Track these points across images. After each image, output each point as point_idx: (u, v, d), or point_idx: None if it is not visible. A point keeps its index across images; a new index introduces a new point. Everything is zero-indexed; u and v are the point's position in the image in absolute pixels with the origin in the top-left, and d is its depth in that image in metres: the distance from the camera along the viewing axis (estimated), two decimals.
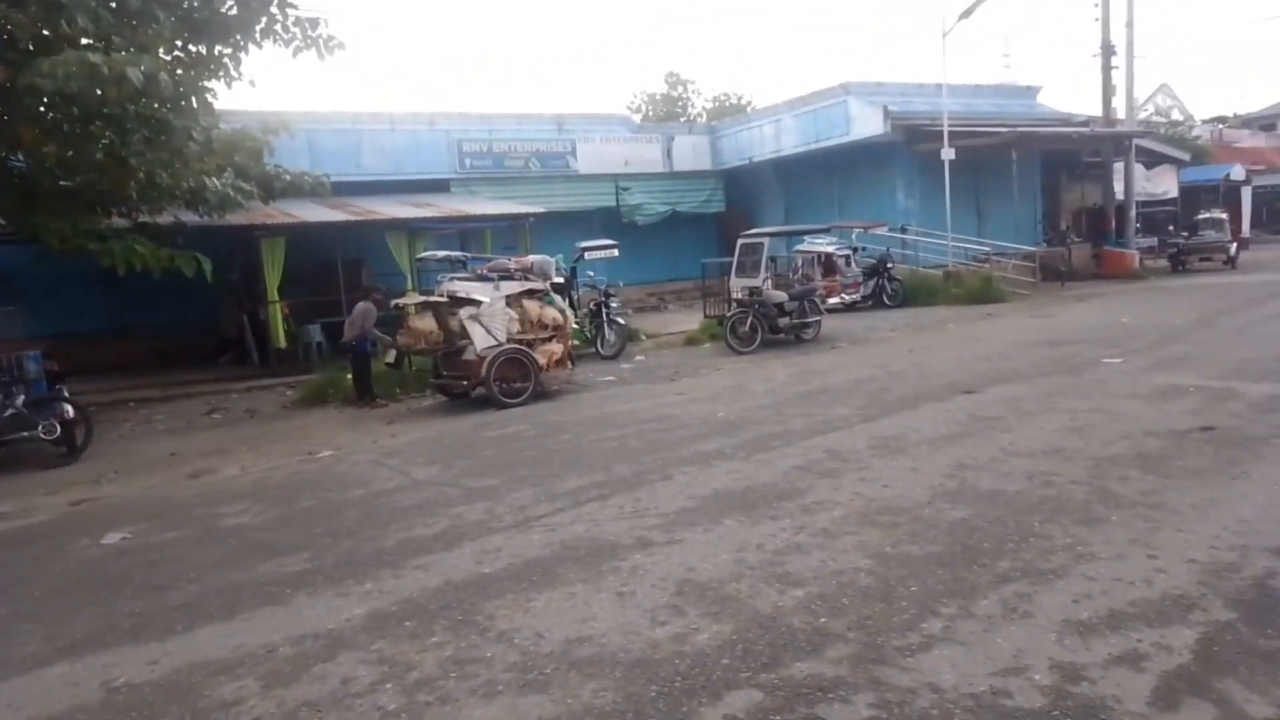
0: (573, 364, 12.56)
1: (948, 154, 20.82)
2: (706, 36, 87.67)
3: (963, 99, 24.26)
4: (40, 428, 9.79)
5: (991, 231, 23.24)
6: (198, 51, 11.17)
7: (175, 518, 7.28)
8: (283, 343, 15.60)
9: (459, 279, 12.11)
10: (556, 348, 11.91)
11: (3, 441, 9.80)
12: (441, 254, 13.79)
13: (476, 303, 11.25)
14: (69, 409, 10.07)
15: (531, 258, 13.09)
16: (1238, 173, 32.18)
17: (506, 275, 12.01)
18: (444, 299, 11.52)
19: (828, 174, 24.85)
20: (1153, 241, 27.21)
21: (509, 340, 11.35)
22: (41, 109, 10.22)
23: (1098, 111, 25.99)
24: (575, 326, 13.74)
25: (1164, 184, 29.40)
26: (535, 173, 23.45)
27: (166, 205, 12.70)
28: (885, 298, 20.07)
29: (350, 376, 12.65)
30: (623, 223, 24.20)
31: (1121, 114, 26.02)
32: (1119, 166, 25.18)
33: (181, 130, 10.74)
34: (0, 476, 9.50)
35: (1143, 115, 36.97)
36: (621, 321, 15.86)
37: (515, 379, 11.30)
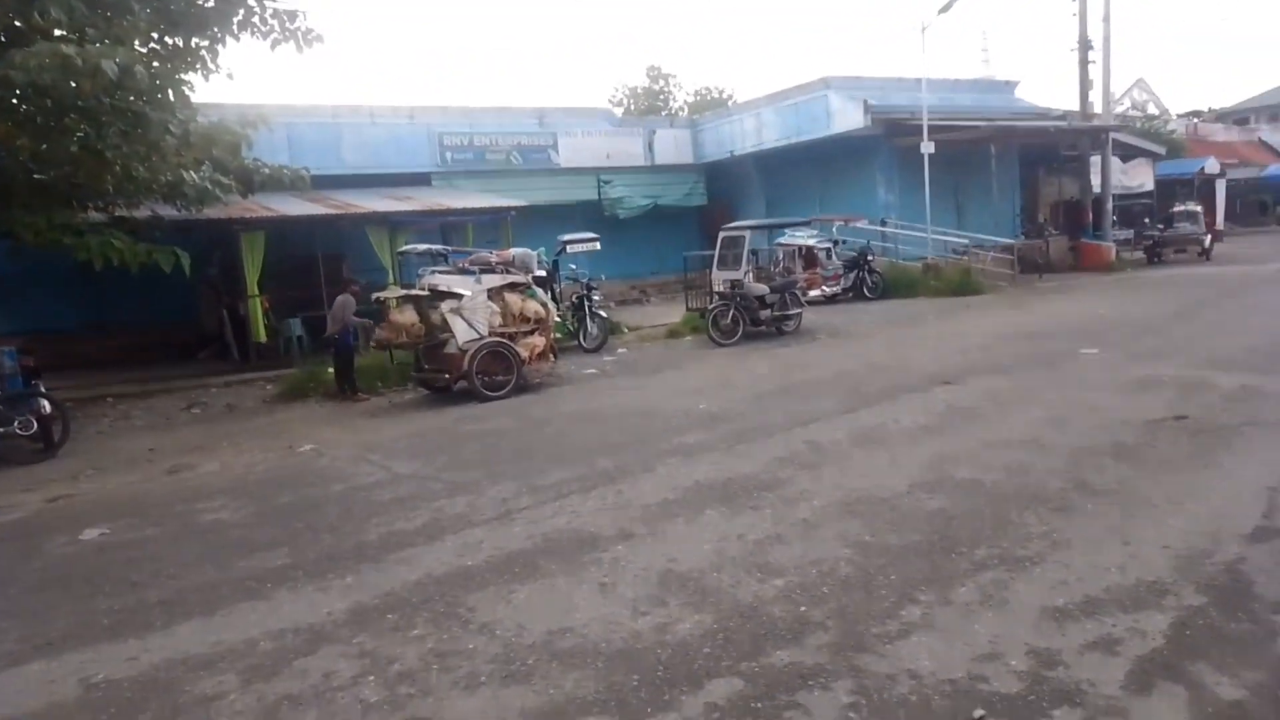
0: (555, 357, 12.55)
1: (927, 148, 20.94)
2: (688, 30, 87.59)
3: (942, 93, 24.37)
4: (16, 424, 9.67)
5: (970, 225, 23.41)
6: (174, 44, 11.06)
7: (154, 514, 7.22)
8: (263, 337, 15.47)
9: (440, 272, 12.07)
10: (538, 341, 11.90)
11: None
12: (423, 247, 13.74)
13: (458, 296, 11.21)
14: (46, 405, 9.95)
15: (513, 251, 13.05)
16: (1212, 166, 32.58)
17: (488, 269, 11.99)
18: (425, 292, 11.48)
19: (808, 168, 24.92)
20: (1129, 234, 27.48)
21: (491, 334, 11.32)
22: (14, 101, 10.08)
23: (1075, 106, 26.21)
24: (557, 320, 13.72)
25: (1140, 177, 29.72)
26: (517, 166, 23.37)
27: (143, 199, 12.54)
28: (865, 290, 20.18)
29: (331, 371, 12.58)
30: (604, 216, 24.17)
31: (1098, 108, 26.26)
32: (1096, 160, 25.41)
33: (158, 123, 10.61)
34: None
35: (1119, 110, 37.38)
36: (603, 315, 15.86)
37: (497, 372, 11.28)
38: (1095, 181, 25.53)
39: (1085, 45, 25.36)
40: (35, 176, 11.24)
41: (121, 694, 4.00)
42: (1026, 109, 27.20)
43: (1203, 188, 31.93)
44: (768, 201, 26.13)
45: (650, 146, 26.29)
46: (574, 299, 15.83)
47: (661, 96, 45.66)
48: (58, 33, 9.48)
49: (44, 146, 10.64)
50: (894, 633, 3.96)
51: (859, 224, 22.11)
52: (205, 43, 11.10)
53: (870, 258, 20.62)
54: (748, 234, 15.40)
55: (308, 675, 4.02)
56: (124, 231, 11.41)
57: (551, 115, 24.61)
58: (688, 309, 17.82)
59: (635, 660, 3.89)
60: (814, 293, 19.31)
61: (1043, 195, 28.32)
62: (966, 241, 22.30)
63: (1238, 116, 60.05)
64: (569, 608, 4.51)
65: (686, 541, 5.35)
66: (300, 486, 7.70)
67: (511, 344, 11.44)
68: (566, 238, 16.69)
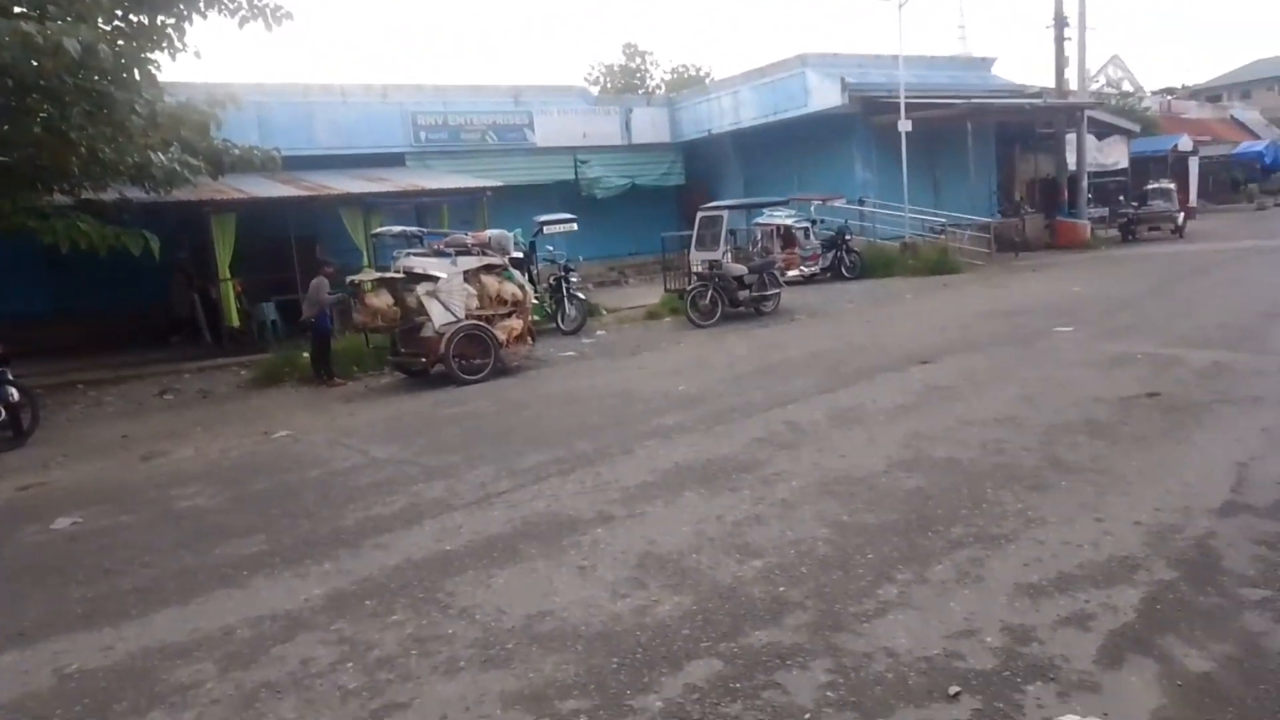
0: (533, 340, 12.49)
1: (904, 126, 20.95)
2: (664, 7, 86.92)
3: (919, 71, 24.37)
4: None
5: (947, 203, 23.48)
6: (139, 21, 10.81)
7: (127, 501, 7.14)
8: (236, 322, 15.30)
9: (415, 255, 11.95)
10: (516, 323, 11.83)
11: None
12: (397, 229, 13.59)
13: (434, 279, 11.12)
14: (14, 392, 9.78)
15: (489, 232, 12.94)
16: (1185, 143, 32.84)
17: (464, 250, 11.88)
18: (400, 275, 11.37)
19: (786, 146, 24.87)
20: (1104, 212, 27.70)
21: (468, 316, 11.25)
22: None
23: (1051, 83, 26.33)
24: (535, 302, 13.65)
25: (1115, 155, 29.91)
26: (492, 146, 23.15)
27: (110, 181, 12.31)
28: (844, 270, 20.21)
29: (306, 355, 12.46)
30: (582, 196, 24.02)
31: (1074, 86, 26.38)
32: (1071, 138, 25.54)
33: (124, 103, 10.41)
34: None
35: (1094, 87, 37.51)
36: (581, 296, 15.80)
37: (475, 355, 11.21)
38: (1071, 159, 25.67)
39: (1061, 22, 25.45)
40: None
41: (96, 684, 3.96)
42: (1003, 86, 27.26)
43: (1176, 165, 32.19)
44: (746, 181, 26.09)
45: (627, 125, 26.13)
46: (551, 281, 15.76)
47: (638, 75, 45.34)
48: (18, 10, 9.25)
49: (5, 128, 10.41)
50: (871, 611, 3.99)
51: (837, 203, 22.11)
52: (171, 20, 10.86)
53: (848, 237, 20.65)
54: (725, 214, 15.37)
55: (286, 662, 4.00)
56: (91, 214, 11.21)
57: (527, 94, 24.37)
58: (666, 290, 17.81)
59: (615, 642, 3.90)
60: (792, 273, 19.33)
61: (1019, 173, 28.46)
62: (944, 220, 22.38)
63: (1210, 94, 60.64)
64: (548, 591, 4.51)
65: (665, 523, 5.36)
66: (276, 472, 7.64)
67: (489, 326, 11.38)
68: (543, 219, 16.57)
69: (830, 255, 20.36)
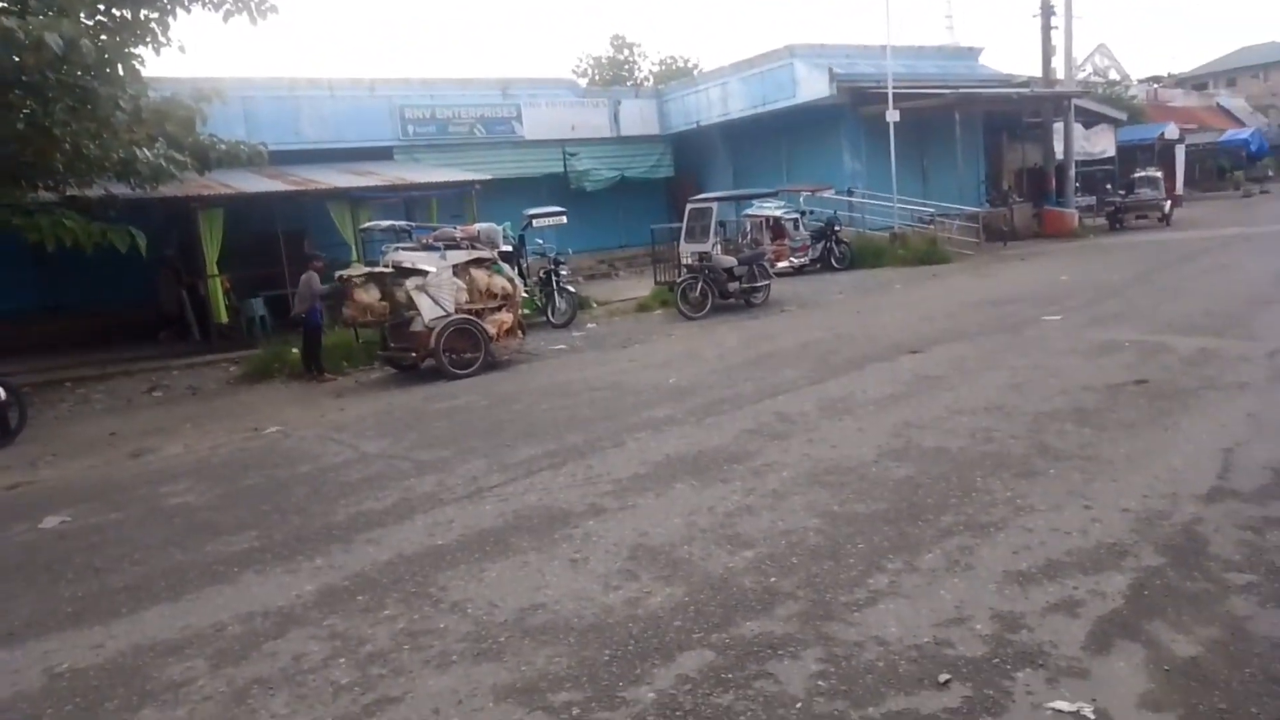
0: (523, 333, 12.47)
1: (892, 116, 20.96)
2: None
3: (906, 60, 24.39)
4: None
5: (936, 193, 23.53)
6: (122, 16, 10.71)
7: (117, 499, 7.11)
8: (224, 317, 15.21)
9: (404, 249, 11.91)
10: (506, 317, 11.81)
11: None
12: (386, 223, 13.54)
13: (423, 273, 11.08)
14: (1, 391, 9.72)
15: (478, 226, 12.90)
16: (1172, 132, 32.98)
17: (453, 244, 11.84)
18: (389, 269, 11.33)
19: (775, 137, 24.86)
20: (1091, 200, 27.80)
21: (457, 310, 11.22)
22: None
23: (1038, 72, 26.36)
24: (525, 295, 13.64)
25: (1102, 143, 30.01)
26: (480, 139, 23.06)
27: (95, 177, 12.21)
28: (833, 260, 20.24)
29: (295, 350, 12.42)
30: (571, 189, 23.96)
31: (1061, 74, 26.44)
32: (1058, 126, 25.61)
33: (108, 99, 10.31)
34: None
35: (1081, 76, 37.62)
36: (572, 289, 15.78)
37: (465, 349, 11.19)
38: (1058, 148, 25.75)
39: (1048, 11, 25.49)
40: None
41: (87, 682, 3.95)
42: (990, 76, 27.31)
43: (1163, 153, 32.33)
44: (735, 172, 26.06)
45: (616, 118, 26.06)
46: (541, 274, 15.73)
47: (626, 66, 45.22)
48: None
49: None
50: (862, 600, 4.01)
51: (826, 194, 22.14)
52: (155, 15, 10.76)
53: (837, 228, 20.67)
54: (715, 206, 15.36)
55: (277, 658, 4.00)
56: (76, 211, 11.10)
57: (515, 86, 24.27)
58: (656, 282, 17.80)
59: (607, 634, 3.91)
60: (782, 264, 19.35)
61: (1007, 162, 28.53)
62: (932, 210, 22.44)
63: (1196, 82, 60.82)
64: (540, 584, 4.52)
65: (657, 515, 5.37)
66: (267, 468, 7.62)
67: (479, 320, 11.35)
68: (532, 212, 16.54)
69: (820, 246, 20.38)
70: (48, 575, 5.42)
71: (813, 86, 22.59)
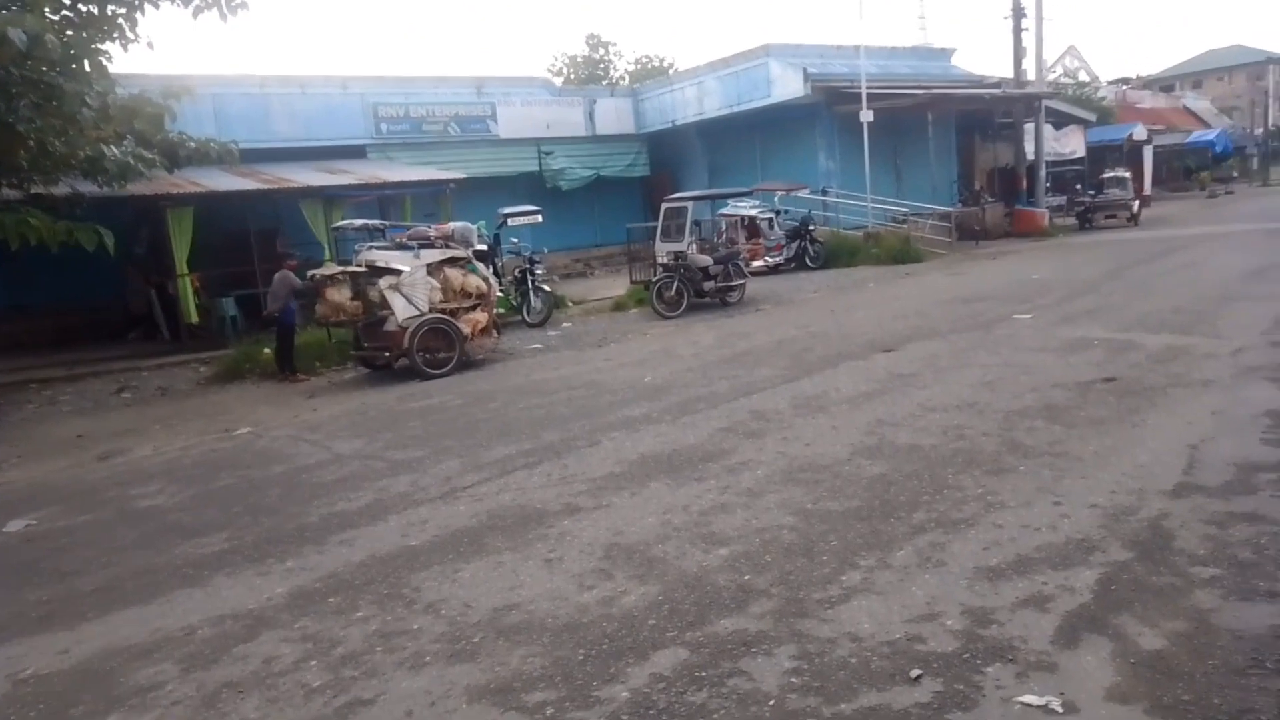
0: (498, 332, 12.43)
1: (866, 116, 21.11)
2: None
3: (880, 61, 24.57)
4: None
5: (909, 192, 23.72)
6: (88, 11, 10.53)
7: (84, 501, 7.01)
8: (195, 317, 15.02)
9: (378, 248, 11.83)
10: (481, 316, 11.77)
11: None
12: (359, 222, 13.42)
13: (396, 272, 11.01)
14: None
15: (452, 225, 12.83)
16: (1140, 132, 33.47)
17: (427, 243, 11.77)
18: (363, 269, 11.24)
19: (750, 136, 24.95)
20: (1062, 200, 28.16)
21: (431, 310, 11.15)
22: None
23: (1009, 73, 26.64)
24: (500, 294, 13.59)
25: (1072, 144, 30.40)
26: (455, 137, 22.94)
27: (62, 175, 12.02)
28: (807, 259, 20.35)
29: (268, 350, 12.29)
30: (546, 188, 23.92)
31: (1032, 75, 26.74)
32: (1029, 127, 25.91)
33: (74, 95, 10.14)
34: None
35: (1052, 77, 38.12)
36: (547, 288, 15.74)
37: (439, 349, 11.14)
38: (1029, 148, 26.05)
39: (1019, 13, 25.75)
40: None
41: (52, 688, 3.89)
42: (962, 76, 27.56)
43: (1131, 154, 32.82)
44: (710, 171, 26.13)
45: (591, 116, 26.03)
46: (516, 273, 15.67)
47: (602, 65, 45.20)
48: None
49: None
50: (835, 597, 4.04)
51: (800, 193, 22.25)
52: (122, 10, 10.58)
53: (812, 227, 20.77)
54: (690, 205, 15.38)
55: (249, 661, 3.96)
56: (42, 209, 10.91)
57: (490, 85, 24.17)
58: (632, 281, 17.80)
59: (581, 634, 3.90)
60: (757, 263, 19.42)
61: (979, 162, 28.82)
62: (906, 209, 22.61)
63: (1164, 83, 61.77)
64: (515, 584, 4.50)
65: (632, 514, 5.38)
66: (238, 469, 7.54)
67: (453, 320, 11.30)
68: (507, 210, 16.48)
69: (794, 245, 20.48)
70: (13, 579, 5.33)
71: (787, 86, 22.69)
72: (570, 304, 16.98)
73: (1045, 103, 26.37)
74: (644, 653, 3.69)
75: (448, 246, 11.85)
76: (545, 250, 17.53)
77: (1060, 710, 3.06)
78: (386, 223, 13.92)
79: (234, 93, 19.55)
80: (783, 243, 20.51)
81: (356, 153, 21.04)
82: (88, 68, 10.32)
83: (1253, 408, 6.49)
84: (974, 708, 3.12)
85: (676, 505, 5.44)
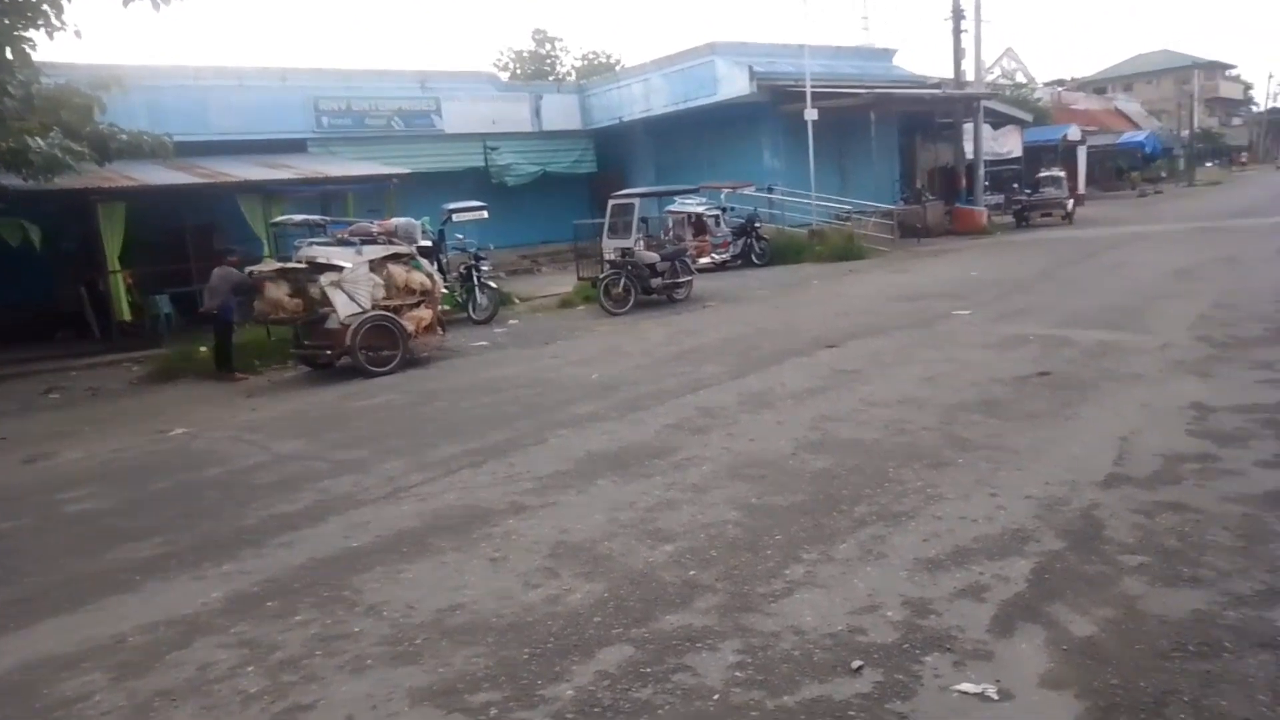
0: (443, 330, 12.29)
1: (811, 114, 21.35)
2: None
3: (824, 60, 24.85)
4: None
5: (853, 191, 24.06)
6: None
7: (9, 507, 6.73)
8: (127, 315, 14.59)
9: (319, 244, 11.58)
10: (425, 313, 11.61)
11: None
12: (299, 218, 13.15)
13: (338, 268, 10.81)
14: None
15: (395, 221, 12.63)
16: (1074, 133, 34.46)
17: (369, 239, 11.57)
18: (303, 265, 11.02)
19: (697, 134, 25.05)
20: (1000, 199, 28.84)
21: (375, 307, 10.98)
22: None
23: (950, 74, 27.16)
24: (445, 291, 13.43)
25: (1009, 144, 31.15)
26: (399, 132, 22.62)
27: None
28: (754, 257, 20.51)
29: (205, 349, 11.98)
30: (492, 184, 23.72)
31: (971, 76, 27.29)
32: (969, 127, 26.47)
33: None
34: None
35: (990, 78, 38.95)
36: (493, 285, 15.61)
37: (383, 347, 10.96)
38: (968, 148, 26.61)
39: (958, 15, 26.25)
40: None
41: None
42: (904, 77, 28.05)
43: (1066, 154, 33.75)
44: (658, 168, 26.17)
45: (538, 112, 25.88)
46: (462, 269, 15.50)
47: (548, 61, 44.96)
48: None
49: None
50: (779, 591, 4.08)
51: (746, 191, 22.42)
52: None
53: (758, 225, 20.95)
54: (637, 202, 15.39)
55: (183, 668, 3.85)
56: None
57: (434, 79, 23.89)
58: (579, 278, 17.75)
59: (526, 633, 3.88)
60: (704, 260, 19.51)
61: (920, 161, 29.37)
62: (850, 207, 22.93)
63: (1097, 85, 63.66)
64: (460, 584, 4.46)
65: (579, 512, 5.36)
66: (173, 471, 7.33)
67: (396, 317, 11.13)
68: (452, 206, 16.30)
69: (741, 243, 20.63)
70: None
71: (733, 84, 22.85)
72: (517, 301, 16.87)
73: (984, 103, 26.97)
74: (590, 650, 3.68)
75: (391, 243, 11.66)
76: (491, 247, 17.38)
77: (996, 698, 3.13)
78: (328, 219, 13.66)
79: (168, 85, 19.01)
80: (729, 240, 20.64)
81: (297, 147, 20.61)
82: (10, 55, 9.94)
83: (1179, 400, 6.72)
84: (912, 697, 3.18)
85: (623, 502, 5.44)
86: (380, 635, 3.98)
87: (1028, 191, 27.46)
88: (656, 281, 15.22)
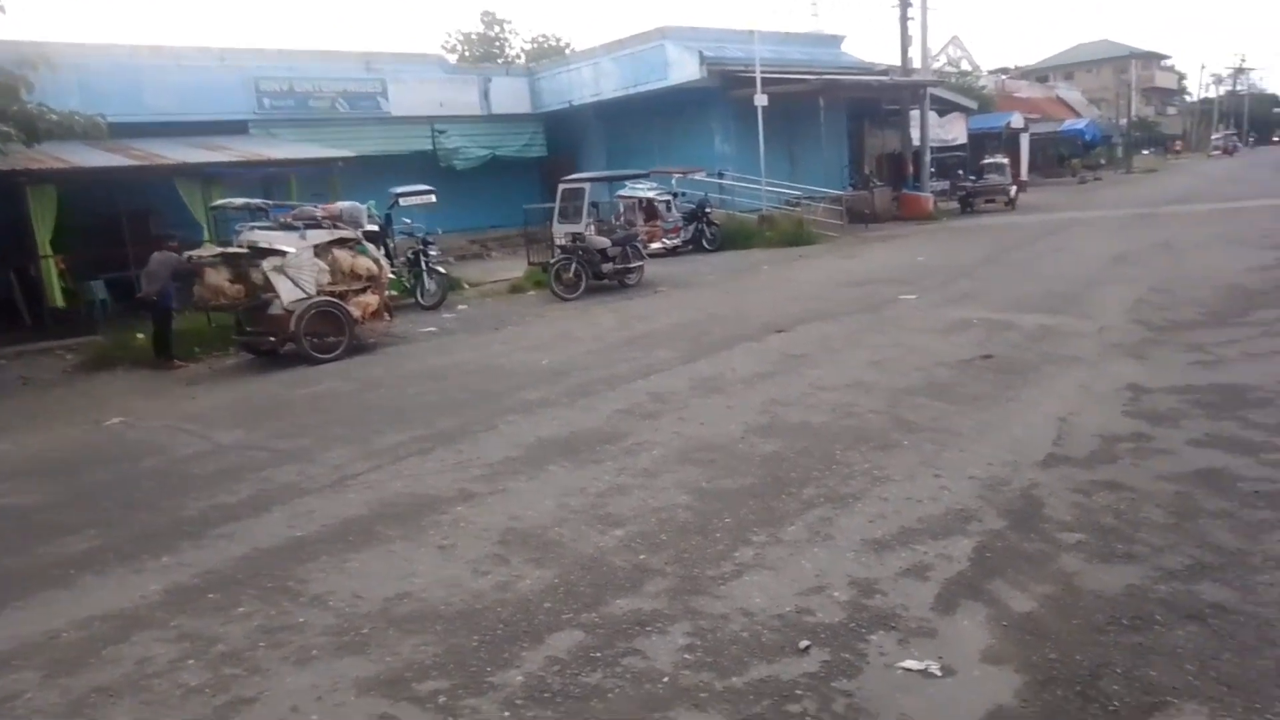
0: (390, 316, 12.10)
1: (761, 100, 21.41)
2: None
3: (774, 46, 24.92)
4: None
5: (803, 176, 24.23)
6: None
7: None
8: (60, 302, 14.09)
9: (260, 228, 11.30)
10: (371, 299, 11.42)
11: None
12: (240, 201, 12.80)
13: (281, 253, 10.56)
14: None
15: (340, 205, 12.36)
16: (1017, 121, 35.08)
17: (314, 224, 11.31)
18: (244, 250, 10.74)
19: (648, 119, 24.97)
20: (945, 185, 29.29)
21: (319, 292, 10.76)
22: None
23: (897, 61, 27.47)
24: (392, 276, 13.22)
25: (954, 131, 31.63)
26: (343, 114, 22.14)
27: None
28: (705, 242, 20.56)
29: (142, 336, 11.63)
30: (440, 168, 23.37)
31: (918, 64, 27.63)
32: (915, 114, 26.80)
33: None
34: None
35: (936, 66, 39.42)
36: (442, 270, 15.40)
37: (328, 333, 10.75)
38: (915, 135, 26.96)
39: (905, 3, 26.52)
40: None
41: None
42: (853, 64, 28.25)
43: (1009, 141, 34.36)
44: (609, 153, 26.04)
45: (486, 95, 25.54)
46: (410, 254, 15.26)
47: (497, 43, 44.36)
48: None
49: None
50: (728, 574, 4.10)
51: (697, 176, 22.45)
52: None
53: (708, 210, 20.99)
54: (588, 186, 15.30)
55: (120, 663, 3.75)
56: None
57: (380, 61, 23.41)
58: (530, 263, 17.61)
59: (475, 620, 3.85)
60: (655, 245, 19.49)
61: (868, 148, 29.69)
62: (799, 193, 23.09)
63: (1039, 74, 64.93)
64: (407, 573, 4.40)
65: (529, 498, 5.33)
66: (109, 463, 7.11)
67: (342, 303, 10.93)
68: (399, 190, 16.00)
69: (691, 228, 20.66)
70: None
71: (684, 69, 22.80)
72: (466, 286, 16.69)
73: (930, 91, 27.33)
74: (539, 636, 3.67)
75: (336, 227, 11.42)
76: (439, 231, 17.14)
77: (939, 674, 3.20)
78: (270, 202, 13.32)
79: (101, 63, 18.29)
80: (680, 225, 20.65)
81: (238, 129, 20.05)
82: None
83: (1115, 382, 6.91)
84: (858, 675, 3.23)
85: (574, 488, 5.43)
86: (326, 625, 3.92)
87: (972, 178, 27.92)
88: (608, 266, 15.17)
